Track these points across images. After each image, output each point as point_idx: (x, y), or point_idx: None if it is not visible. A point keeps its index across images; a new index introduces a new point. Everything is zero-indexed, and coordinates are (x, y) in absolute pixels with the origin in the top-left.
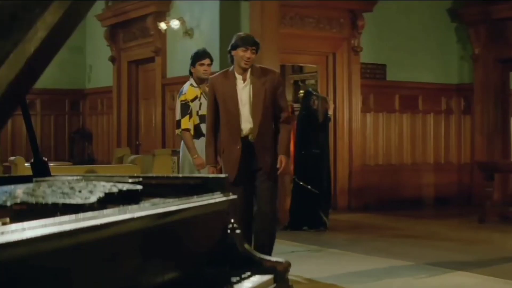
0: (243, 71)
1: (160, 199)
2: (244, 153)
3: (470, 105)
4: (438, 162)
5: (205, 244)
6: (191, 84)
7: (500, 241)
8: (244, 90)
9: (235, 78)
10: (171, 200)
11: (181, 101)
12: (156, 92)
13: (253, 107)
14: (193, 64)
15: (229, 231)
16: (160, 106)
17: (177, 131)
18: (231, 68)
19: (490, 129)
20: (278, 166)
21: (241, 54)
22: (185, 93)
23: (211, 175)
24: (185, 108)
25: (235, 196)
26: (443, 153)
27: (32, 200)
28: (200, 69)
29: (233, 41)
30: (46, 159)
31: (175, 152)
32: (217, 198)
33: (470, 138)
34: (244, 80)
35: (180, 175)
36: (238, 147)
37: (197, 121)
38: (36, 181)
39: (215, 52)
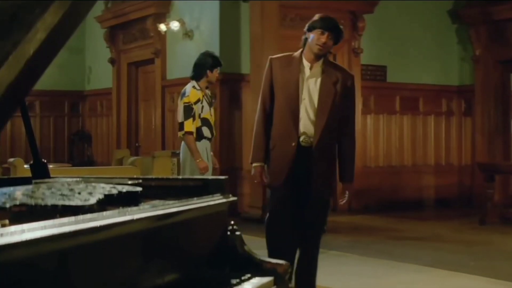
0: (314, 58)
1: (159, 201)
2: (298, 155)
3: (470, 107)
4: (438, 163)
5: (205, 245)
6: (194, 87)
7: (500, 242)
8: (308, 82)
9: (301, 63)
10: (170, 202)
11: (184, 103)
12: (155, 94)
13: (319, 106)
14: (211, 68)
15: (229, 232)
16: (160, 107)
17: (180, 134)
18: (297, 53)
19: (490, 131)
20: (343, 196)
21: (317, 36)
22: (188, 95)
23: (211, 177)
24: (189, 111)
25: (235, 198)
26: (443, 155)
27: (32, 201)
28: (216, 75)
29: (310, 21)
30: (45, 161)
31: (175, 154)
32: (217, 200)
33: (471, 139)
34: (311, 69)
35: (180, 176)
36: (293, 143)
37: (199, 123)
38: (36, 183)
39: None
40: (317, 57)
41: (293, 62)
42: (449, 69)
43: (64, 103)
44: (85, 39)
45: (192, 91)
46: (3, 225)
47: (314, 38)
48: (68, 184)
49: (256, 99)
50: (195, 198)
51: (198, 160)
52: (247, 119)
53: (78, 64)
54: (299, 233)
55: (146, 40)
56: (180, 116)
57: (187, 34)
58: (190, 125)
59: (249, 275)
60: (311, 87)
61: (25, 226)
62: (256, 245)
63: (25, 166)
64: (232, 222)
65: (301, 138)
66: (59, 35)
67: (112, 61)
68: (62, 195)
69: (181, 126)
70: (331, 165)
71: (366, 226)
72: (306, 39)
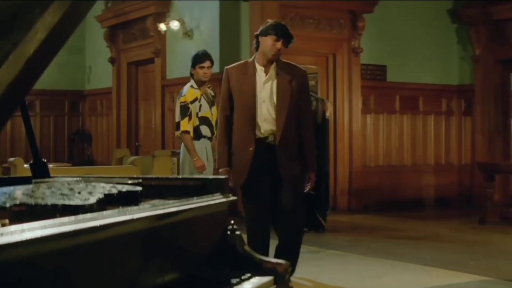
0: (267, 63)
1: (159, 200)
2: (259, 156)
3: (470, 106)
4: (438, 163)
5: (205, 245)
6: (191, 86)
7: (500, 242)
8: (265, 85)
9: (255, 69)
10: (170, 201)
11: (181, 102)
12: (155, 93)
13: (278, 107)
14: (193, 66)
15: (229, 232)
16: (160, 107)
17: (177, 133)
18: (251, 58)
19: (490, 130)
20: (306, 184)
21: (271, 43)
22: (184, 95)
23: (211, 177)
24: (185, 110)
25: (235, 198)
26: (443, 154)
27: (32, 201)
28: (200, 72)
29: (264, 27)
30: (45, 160)
31: (175, 153)
32: (217, 199)
33: (471, 139)
34: (266, 73)
35: (180, 176)
36: (251, 148)
37: (196, 122)
38: (36, 182)
39: (215, 53)
40: (270, 61)
41: (248, 69)
42: (449, 68)
43: (64, 102)
44: (85, 38)
45: (189, 90)
46: (3, 225)
47: (268, 44)
48: (68, 184)
49: None
50: (195, 198)
51: (195, 159)
52: None
53: (78, 63)
54: (278, 227)
55: (146, 39)
56: (177, 116)
57: (187, 33)
58: (186, 124)
59: (249, 275)
60: (269, 90)
61: (25, 225)
62: None
63: (25, 165)
64: (232, 222)
65: (269, 138)
66: (59, 35)
67: (112, 61)
68: (62, 194)
69: (177, 125)
70: (297, 158)
71: (366, 226)
72: (258, 43)
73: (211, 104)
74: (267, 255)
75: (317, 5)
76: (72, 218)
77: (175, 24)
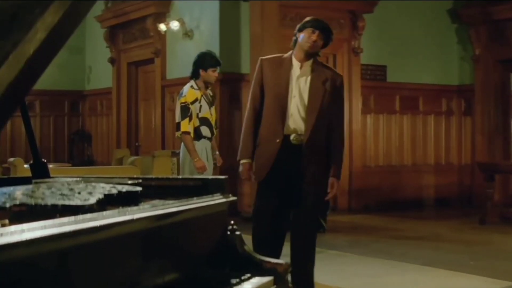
0: (304, 57)
1: (159, 200)
2: (284, 152)
3: (470, 106)
4: (438, 163)
5: (205, 245)
6: (192, 86)
7: (500, 242)
8: (298, 80)
9: (291, 63)
10: (170, 201)
11: (181, 103)
12: (155, 94)
13: (309, 105)
14: (205, 68)
15: (229, 232)
16: (160, 107)
17: (177, 134)
18: (288, 53)
19: (490, 130)
20: (328, 190)
21: (307, 35)
22: (185, 95)
23: (210, 177)
24: (185, 111)
25: (234, 198)
26: (443, 154)
27: (31, 201)
28: (212, 75)
29: (302, 22)
30: (45, 161)
31: (175, 154)
32: (217, 199)
33: (471, 139)
34: (301, 68)
35: (180, 176)
36: (278, 140)
37: (197, 123)
38: (35, 183)
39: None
40: (307, 55)
41: (284, 62)
42: (449, 68)
43: (64, 102)
44: (85, 38)
45: (189, 91)
46: (3, 225)
47: (304, 36)
48: (68, 184)
49: None
50: (195, 198)
51: (195, 160)
52: None
53: (78, 63)
54: (294, 234)
55: (146, 39)
56: (177, 116)
57: (187, 33)
58: (186, 125)
59: (249, 275)
60: (301, 86)
61: (25, 225)
62: None
63: (25, 165)
64: (232, 222)
65: (292, 136)
66: (59, 35)
67: (112, 61)
68: (62, 194)
69: (178, 126)
70: (322, 162)
71: (366, 226)
72: (296, 39)
73: (210, 104)
74: (278, 254)
75: (317, 5)
76: (72, 218)
77: (175, 24)
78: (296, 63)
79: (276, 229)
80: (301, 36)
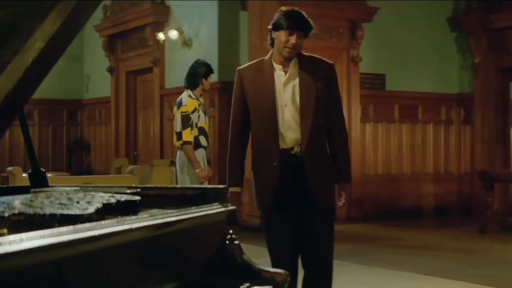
0: (285, 60)
1: (158, 210)
2: (284, 171)
3: (470, 115)
4: (438, 171)
5: (204, 255)
6: (190, 96)
7: (500, 250)
8: (286, 86)
9: (272, 68)
10: (169, 211)
11: (182, 112)
12: (154, 103)
13: (302, 110)
14: (205, 77)
15: (227, 241)
16: (159, 116)
17: (178, 143)
18: (267, 56)
19: (490, 139)
20: (339, 196)
21: (284, 38)
22: (185, 105)
23: (209, 186)
24: (186, 120)
25: (233, 207)
26: (443, 163)
27: (30, 211)
28: (209, 82)
29: (275, 19)
30: (44, 170)
31: (174, 163)
32: (216, 209)
33: (470, 147)
34: (286, 71)
35: (178, 185)
36: (275, 163)
37: (196, 133)
38: (34, 192)
39: (214, 63)
40: (287, 59)
41: (264, 69)
42: (448, 77)
43: (62, 111)
44: (83, 47)
45: (189, 100)
46: (2, 234)
47: (281, 40)
48: (67, 193)
49: None
50: (194, 207)
51: (198, 170)
52: None
53: (76, 72)
54: (305, 258)
55: (145, 48)
56: (178, 126)
57: (186, 42)
58: (188, 135)
59: (247, 284)
60: (291, 91)
61: (23, 235)
62: (255, 254)
63: (24, 174)
64: (231, 231)
65: (296, 149)
66: (58, 44)
67: (110, 70)
68: (60, 204)
69: (179, 135)
70: (327, 169)
71: (365, 235)
72: (272, 39)
73: (205, 113)
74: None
75: (316, 14)
76: (71, 227)
77: (173, 33)
78: (278, 67)
79: (293, 258)
80: (278, 40)
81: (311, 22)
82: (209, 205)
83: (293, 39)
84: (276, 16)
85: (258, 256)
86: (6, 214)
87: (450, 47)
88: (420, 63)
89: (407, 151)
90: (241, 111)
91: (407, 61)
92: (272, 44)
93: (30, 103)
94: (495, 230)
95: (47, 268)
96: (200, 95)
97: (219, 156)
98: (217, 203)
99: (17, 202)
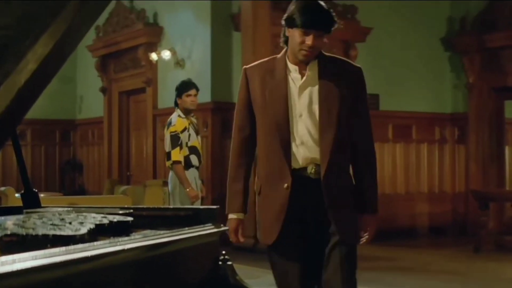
0: (302, 61)
1: (151, 230)
2: (297, 197)
3: (464, 134)
4: (432, 191)
5: (197, 275)
6: (179, 115)
7: (495, 270)
8: (302, 92)
9: (286, 69)
10: (162, 231)
11: (171, 132)
12: (147, 123)
13: (322, 122)
14: (179, 95)
15: (220, 262)
16: (151, 136)
17: (168, 163)
18: (281, 53)
19: (484, 158)
20: (362, 230)
21: (298, 39)
22: (174, 124)
23: (202, 207)
24: (175, 140)
25: (226, 228)
26: (437, 183)
27: (22, 231)
28: (187, 100)
29: (288, 12)
30: (36, 190)
31: (167, 183)
32: (208, 229)
33: (465, 167)
34: (302, 74)
35: (171, 206)
36: (286, 185)
37: (186, 152)
38: (27, 212)
39: (206, 83)
40: (306, 61)
41: (277, 69)
42: (442, 97)
43: (55, 132)
44: (76, 68)
45: (178, 120)
46: None
47: (295, 41)
48: (59, 214)
49: None
50: (187, 228)
51: (188, 189)
52: None
53: (69, 93)
54: None
55: (138, 69)
56: (167, 146)
57: (179, 63)
58: (177, 154)
59: None
60: (308, 98)
61: (16, 256)
62: (248, 275)
63: (16, 195)
64: (224, 252)
65: (309, 168)
66: (50, 66)
67: (103, 90)
68: (53, 225)
69: (168, 155)
70: (349, 197)
71: (359, 255)
72: (286, 37)
73: (197, 133)
74: None
75: None
76: (63, 248)
77: (166, 54)
78: (293, 68)
79: None
80: (292, 39)
81: (333, 15)
82: (202, 225)
83: (309, 40)
84: (290, 8)
85: (251, 277)
86: None
87: (444, 67)
88: (414, 83)
89: (401, 171)
90: (246, 119)
91: (401, 81)
92: (286, 42)
93: (23, 123)
94: (490, 249)
95: None
96: (192, 115)
97: (212, 176)
98: (210, 224)
99: (10, 223)
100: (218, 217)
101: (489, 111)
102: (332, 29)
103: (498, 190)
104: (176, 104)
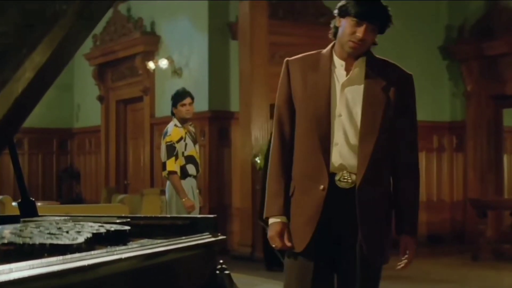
0: (350, 56)
1: (148, 239)
2: (332, 203)
3: (462, 142)
4: (430, 200)
5: (194, 285)
6: (175, 125)
7: (494, 278)
8: (344, 89)
9: (331, 63)
10: (159, 240)
11: (166, 142)
12: (144, 132)
13: (364, 127)
14: (174, 105)
15: (218, 271)
16: (149, 145)
17: (164, 173)
18: (327, 48)
19: (483, 166)
20: (401, 253)
21: (349, 29)
22: (170, 134)
23: (199, 216)
24: (171, 150)
25: (224, 237)
26: (435, 191)
27: (19, 240)
28: (182, 110)
29: (343, 1)
30: (33, 199)
31: (164, 192)
32: (206, 238)
33: (463, 175)
34: (348, 71)
35: (168, 215)
36: (322, 186)
37: (183, 162)
38: (24, 221)
39: (204, 92)
40: (352, 56)
41: (321, 62)
42: (440, 105)
43: (52, 140)
44: (73, 76)
45: (174, 130)
46: None
47: (345, 31)
48: (56, 223)
49: (245, 136)
50: (184, 237)
51: (184, 199)
52: (236, 157)
53: (66, 101)
54: None
55: (135, 77)
56: (163, 156)
57: (176, 71)
58: (172, 164)
59: None
60: (350, 98)
61: (12, 265)
62: (246, 284)
63: (13, 203)
64: (221, 261)
65: (338, 176)
66: (47, 74)
67: (100, 99)
68: (50, 234)
69: (164, 166)
70: (385, 215)
71: None
72: (336, 28)
73: (194, 142)
74: None
75: (308, 43)
76: (60, 257)
77: (163, 63)
78: (339, 63)
79: None
80: (342, 28)
81: (390, 14)
82: (199, 234)
83: (360, 32)
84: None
85: (249, 286)
86: None
87: (442, 75)
88: None
89: None
90: (286, 114)
91: None
92: (335, 35)
93: (20, 132)
94: (488, 257)
95: None
96: (190, 124)
97: (210, 185)
98: (207, 233)
99: (7, 232)
100: (216, 226)
101: (487, 119)
102: (386, 28)
103: (496, 199)
104: (173, 114)
